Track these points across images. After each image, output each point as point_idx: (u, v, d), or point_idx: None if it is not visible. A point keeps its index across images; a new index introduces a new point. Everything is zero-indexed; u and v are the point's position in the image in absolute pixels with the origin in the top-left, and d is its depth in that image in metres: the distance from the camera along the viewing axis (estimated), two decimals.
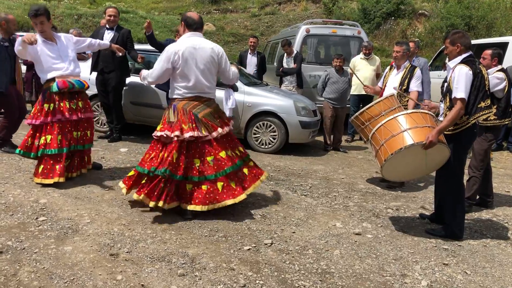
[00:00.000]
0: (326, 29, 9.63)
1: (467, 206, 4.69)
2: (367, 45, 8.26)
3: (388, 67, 5.81)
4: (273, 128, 6.95)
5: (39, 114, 4.64)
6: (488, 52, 5.06)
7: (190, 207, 4.00)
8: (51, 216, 3.88)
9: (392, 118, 3.93)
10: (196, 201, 3.99)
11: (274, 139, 6.99)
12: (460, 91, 3.72)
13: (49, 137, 4.61)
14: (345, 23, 10.25)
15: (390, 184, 5.58)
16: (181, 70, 3.96)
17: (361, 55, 8.30)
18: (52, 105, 4.62)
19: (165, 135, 3.96)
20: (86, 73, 6.64)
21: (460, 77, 3.73)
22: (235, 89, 6.94)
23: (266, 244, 3.65)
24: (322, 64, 9.12)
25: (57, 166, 4.61)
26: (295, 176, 5.82)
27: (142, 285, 2.91)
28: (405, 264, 3.49)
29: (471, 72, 3.73)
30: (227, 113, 6.51)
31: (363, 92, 7.66)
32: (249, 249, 3.53)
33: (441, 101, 4.11)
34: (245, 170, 4.30)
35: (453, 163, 3.92)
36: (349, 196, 5.12)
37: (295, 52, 8.49)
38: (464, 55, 3.86)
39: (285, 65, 8.48)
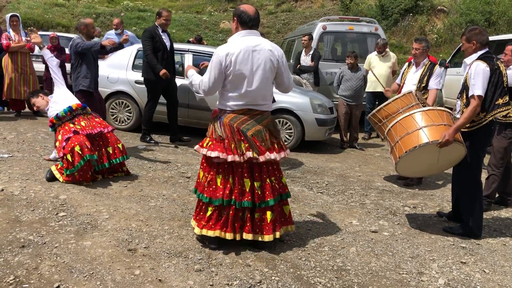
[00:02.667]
0: (343, 26, 9.58)
1: (486, 204, 4.63)
2: (378, 43, 8.18)
3: (406, 64, 5.75)
4: (289, 125, 6.95)
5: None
6: (510, 47, 4.98)
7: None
8: (71, 212, 3.95)
9: (408, 115, 3.91)
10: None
11: (290, 136, 6.99)
12: (477, 88, 3.67)
13: (68, 156, 4.58)
14: (362, 20, 10.19)
15: (408, 182, 5.54)
16: (232, 77, 3.24)
17: (376, 52, 8.25)
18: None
19: (219, 157, 3.30)
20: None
21: (477, 74, 3.68)
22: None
23: (282, 240, 3.66)
24: (339, 61, 9.08)
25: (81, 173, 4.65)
26: (311, 173, 5.81)
27: (160, 280, 2.96)
28: (422, 262, 3.46)
29: (488, 68, 3.68)
30: None
31: (378, 89, 7.64)
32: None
33: (457, 98, 4.06)
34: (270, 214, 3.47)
35: (470, 160, 3.87)
36: (366, 193, 5.10)
37: (313, 49, 8.47)
38: (481, 52, 3.81)
39: (302, 62, 8.47)
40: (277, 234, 3.43)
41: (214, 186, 3.37)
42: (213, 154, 3.30)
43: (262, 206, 3.38)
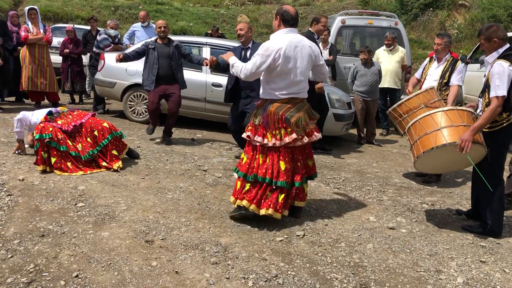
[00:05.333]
0: (362, 20, 9.47)
1: (507, 203, 4.54)
2: (387, 36, 8.09)
3: (428, 59, 5.66)
4: None
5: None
6: None
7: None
8: (89, 203, 4.00)
9: (428, 115, 3.85)
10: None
11: None
12: (500, 88, 3.57)
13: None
14: (381, 14, 10.06)
15: (426, 179, 5.47)
16: (280, 69, 3.61)
17: (384, 47, 8.15)
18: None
19: (256, 141, 3.74)
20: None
21: (499, 73, 3.58)
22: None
23: (298, 235, 3.65)
24: (358, 56, 8.97)
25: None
26: (328, 169, 5.77)
27: (176, 271, 2.97)
28: (440, 260, 3.42)
29: (511, 67, 3.59)
30: None
31: (386, 85, 7.73)
32: (281, 240, 3.54)
33: (479, 97, 3.97)
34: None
35: (493, 159, 3.80)
36: (383, 190, 5.05)
37: (329, 44, 8.40)
38: (502, 49, 3.72)
39: None
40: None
41: (256, 165, 3.75)
42: (258, 139, 3.71)
43: (302, 185, 3.85)
